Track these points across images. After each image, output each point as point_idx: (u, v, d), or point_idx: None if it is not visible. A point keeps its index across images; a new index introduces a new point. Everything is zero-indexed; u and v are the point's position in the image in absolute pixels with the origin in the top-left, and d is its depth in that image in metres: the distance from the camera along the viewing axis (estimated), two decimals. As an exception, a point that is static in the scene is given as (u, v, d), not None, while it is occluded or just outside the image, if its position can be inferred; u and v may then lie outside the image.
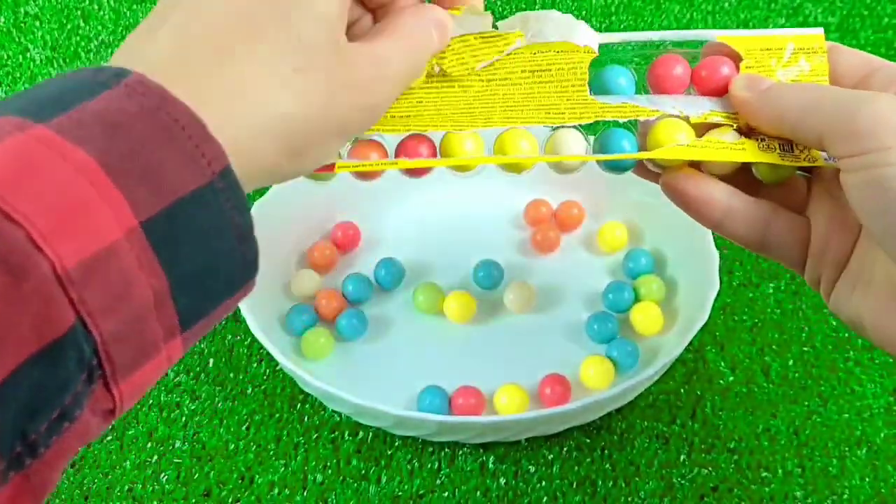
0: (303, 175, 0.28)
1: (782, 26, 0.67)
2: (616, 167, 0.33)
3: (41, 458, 0.19)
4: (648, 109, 0.32)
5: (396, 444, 0.44)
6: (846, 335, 0.48)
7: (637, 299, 0.49)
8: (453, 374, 0.46)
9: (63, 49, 0.67)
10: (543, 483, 0.43)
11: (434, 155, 0.32)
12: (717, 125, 0.32)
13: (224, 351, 0.48)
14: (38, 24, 0.69)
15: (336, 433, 0.45)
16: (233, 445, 0.44)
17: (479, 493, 0.43)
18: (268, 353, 0.46)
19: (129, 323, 0.19)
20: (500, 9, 0.68)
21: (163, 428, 0.45)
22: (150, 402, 0.46)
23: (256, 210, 0.48)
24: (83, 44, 0.68)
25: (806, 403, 0.46)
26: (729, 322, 0.49)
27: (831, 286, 0.32)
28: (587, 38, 0.32)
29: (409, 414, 0.41)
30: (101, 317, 0.19)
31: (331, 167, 0.30)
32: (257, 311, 0.45)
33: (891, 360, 0.47)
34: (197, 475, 0.43)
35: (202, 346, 0.49)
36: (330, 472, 0.44)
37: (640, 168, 0.34)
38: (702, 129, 0.32)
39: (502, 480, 0.43)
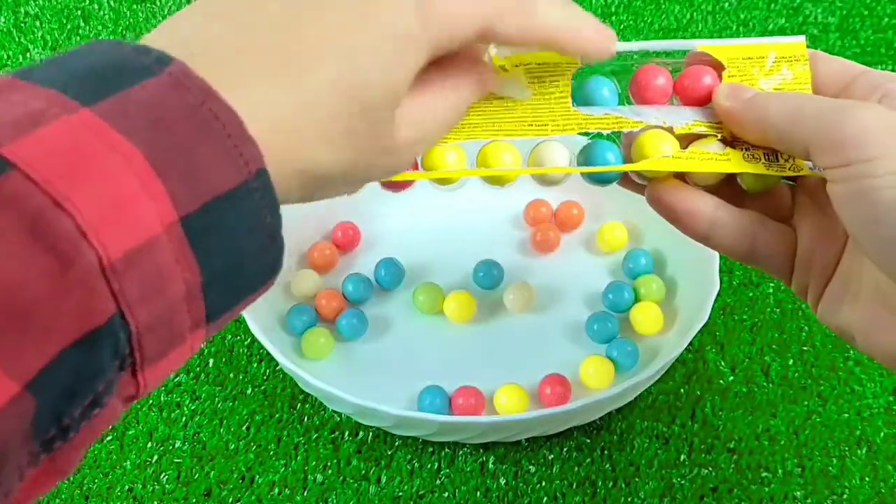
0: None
1: (782, 26, 0.67)
2: (601, 179, 0.32)
3: (69, 442, 0.20)
4: (632, 121, 0.32)
5: (396, 444, 0.44)
6: (846, 335, 0.48)
7: (637, 299, 0.49)
8: (453, 374, 0.46)
9: (63, 49, 0.67)
10: (543, 483, 0.43)
11: (416, 168, 0.32)
12: (701, 136, 0.32)
13: (224, 351, 0.48)
14: (38, 24, 0.69)
15: (336, 433, 0.45)
16: (233, 445, 0.44)
17: (479, 493, 0.43)
18: (268, 353, 0.46)
19: (162, 315, 0.20)
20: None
21: (163, 428, 0.45)
22: (150, 402, 0.46)
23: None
24: (83, 44, 0.67)
25: (806, 403, 0.46)
26: (729, 322, 0.49)
27: (819, 295, 0.32)
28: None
29: (410, 414, 0.41)
30: (137, 308, 0.19)
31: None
32: (257, 311, 0.45)
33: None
34: (197, 475, 0.43)
35: (202, 345, 0.49)
36: (330, 472, 0.44)
37: (626, 180, 0.33)
38: (686, 139, 0.32)
39: (502, 481, 0.43)
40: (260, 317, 0.45)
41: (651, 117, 0.32)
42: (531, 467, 0.44)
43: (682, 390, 0.46)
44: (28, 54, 0.67)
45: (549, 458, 0.44)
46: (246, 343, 0.49)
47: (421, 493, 0.43)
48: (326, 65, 0.23)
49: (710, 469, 0.43)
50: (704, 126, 0.32)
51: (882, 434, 0.44)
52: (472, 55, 0.29)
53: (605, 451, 0.44)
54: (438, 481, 0.43)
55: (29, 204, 0.18)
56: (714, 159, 0.31)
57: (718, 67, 0.32)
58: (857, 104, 0.28)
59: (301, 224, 0.52)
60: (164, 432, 0.45)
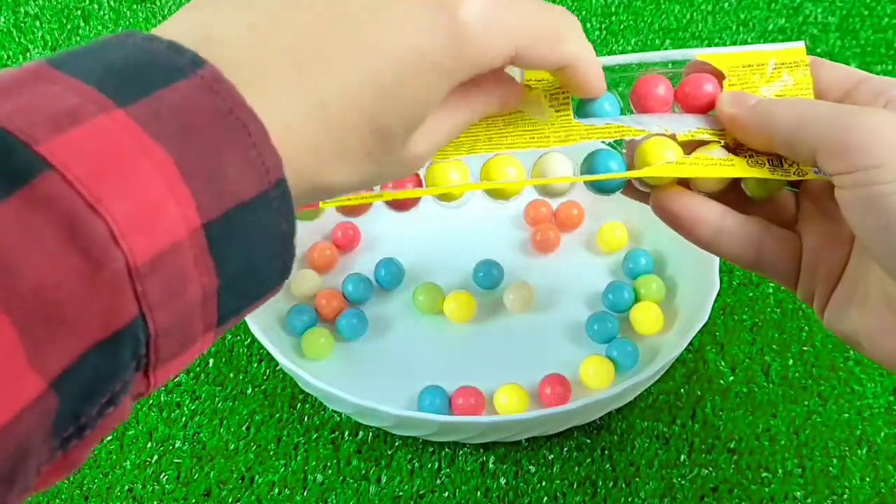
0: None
1: (782, 26, 0.67)
2: (604, 188, 0.32)
3: (83, 439, 0.20)
4: (634, 129, 0.32)
5: (397, 444, 0.44)
6: (846, 335, 0.48)
7: (637, 299, 0.49)
8: (453, 374, 0.46)
9: (63, 49, 0.67)
10: (544, 483, 0.43)
11: (419, 186, 0.32)
12: (704, 142, 0.32)
13: (224, 351, 0.48)
14: (38, 24, 0.69)
15: (336, 433, 0.45)
16: (233, 445, 0.44)
17: (479, 493, 0.43)
18: (268, 353, 0.46)
19: (179, 318, 0.20)
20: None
21: (163, 428, 0.45)
22: (150, 402, 0.46)
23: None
24: (83, 44, 0.67)
25: (806, 403, 0.46)
26: (729, 322, 0.49)
27: (825, 302, 0.32)
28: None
29: (410, 414, 0.41)
30: (158, 311, 0.20)
31: (314, 204, 0.30)
32: (257, 311, 0.45)
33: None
34: (197, 475, 0.43)
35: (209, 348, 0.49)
36: (330, 472, 0.44)
37: (629, 188, 0.33)
38: (689, 147, 0.32)
39: (502, 480, 0.43)
40: (260, 317, 0.45)
41: (653, 126, 0.32)
42: (531, 467, 0.44)
43: (682, 390, 0.46)
44: (28, 54, 0.67)
45: (550, 458, 0.44)
46: (246, 343, 0.49)
47: (421, 492, 0.43)
48: (351, 91, 0.23)
49: (711, 469, 0.43)
50: (707, 133, 0.32)
51: (882, 434, 0.44)
52: (496, 75, 0.29)
53: (606, 451, 0.44)
54: (438, 481, 0.43)
55: (64, 205, 0.18)
56: (718, 164, 0.31)
57: (719, 76, 0.32)
58: (864, 109, 0.28)
59: (301, 224, 0.52)
60: (164, 432, 0.45)
